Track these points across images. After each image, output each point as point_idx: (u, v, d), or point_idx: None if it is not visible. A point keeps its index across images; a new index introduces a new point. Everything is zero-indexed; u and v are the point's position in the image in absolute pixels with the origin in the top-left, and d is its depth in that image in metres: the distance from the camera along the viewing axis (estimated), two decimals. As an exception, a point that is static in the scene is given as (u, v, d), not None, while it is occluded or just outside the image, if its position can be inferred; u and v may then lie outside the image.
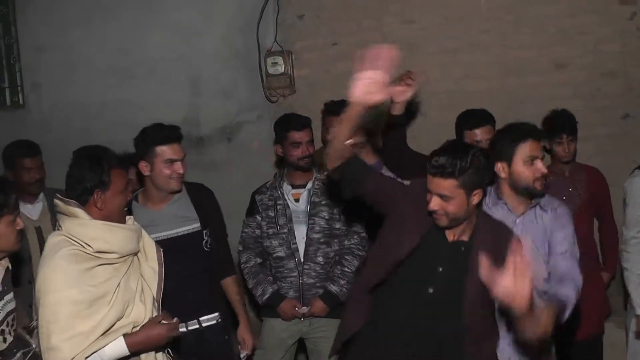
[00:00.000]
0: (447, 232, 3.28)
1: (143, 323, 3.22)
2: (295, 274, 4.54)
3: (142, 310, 3.24)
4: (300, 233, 4.54)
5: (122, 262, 3.22)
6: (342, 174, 3.41)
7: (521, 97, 5.35)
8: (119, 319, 3.14)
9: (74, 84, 6.29)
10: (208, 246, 4.14)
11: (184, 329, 3.93)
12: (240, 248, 4.68)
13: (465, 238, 3.28)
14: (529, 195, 3.58)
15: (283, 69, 5.85)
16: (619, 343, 5.11)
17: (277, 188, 4.60)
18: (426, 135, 5.14)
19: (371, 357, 3.38)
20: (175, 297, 3.71)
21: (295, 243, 4.53)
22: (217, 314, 4.16)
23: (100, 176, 3.15)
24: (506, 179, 3.56)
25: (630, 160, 5.05)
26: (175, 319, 3.33)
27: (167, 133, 4.00)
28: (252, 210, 4.67)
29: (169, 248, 3.75)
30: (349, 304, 3.58)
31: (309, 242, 4.51)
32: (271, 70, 5.88)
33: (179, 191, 4.06)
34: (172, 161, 3.93)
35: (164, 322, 3.28)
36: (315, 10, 5.85)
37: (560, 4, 5.33)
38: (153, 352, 3.31)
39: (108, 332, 3.09)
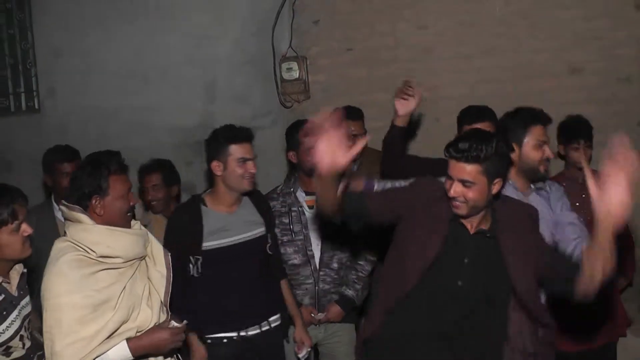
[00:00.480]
0: (465, 222, 3.23)
1: (149, 327, 3.23)
2: (311, 280, 4.49)
3: (149, 314, 3.23)
4: (315, 240, 4.51)
5: (128, 267, 3.21)
6: (344, 215, 3.33)
7: (535, 102, 5.26)
8: (123, 323, 3.13)
9: (89, 88, 6.31)
10: (270, 250, 4.16)
11: (256, 330, 4.01)
12: None
13: (485, 227, 3.24)
14: (533, 177, 3.64)
15: (298, 74, 5.87)
16: (633, 350, 5.09)
17: (291, 194, 4.54)
18: (440, 140, 5.06)
19: (403, 354, 3.32)
20: (248, 299, 3.91)
21: (312, 250, 4.47)
22: (278, 314, 4.18)
23: (99, 182, 3.15)
24: (515, 160, 3.56)
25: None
26: (183, 323, 3.33)
27: (239, 132, 3.98)
28: None
29: (240, 252, 3.91)
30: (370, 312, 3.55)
31: (324, 248, 4.48)
32: (286, 76, 5.89)
33: (250, 191, 4.06)
34: (244, 160, 3.91)
35: (174, 324, 3.28)
36: (330, 15, 5.87)
37: (575, 8, 5.33)
38: (162, 358, 3.32)
39: (112, 336, 3.10)
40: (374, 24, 5.78)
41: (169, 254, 3.46)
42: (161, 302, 3.33)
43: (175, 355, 3.42)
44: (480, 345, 3.26)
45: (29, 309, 3.21)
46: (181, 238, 3.88)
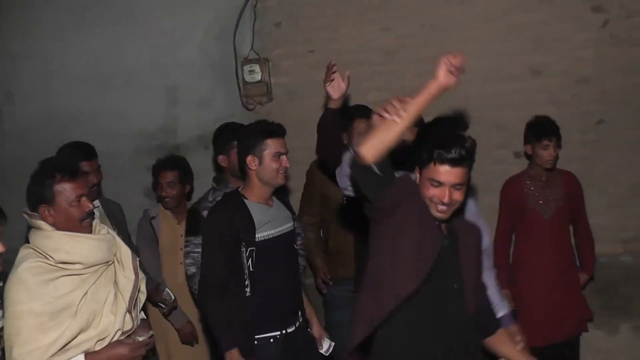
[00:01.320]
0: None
1: (111, 335, 3.15)
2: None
3: (112, 321, 3.14)
4: None
5: (91, 273, 3.14)
6: (380, 169, 3.07)
7: (498, 104, 5.41)
8: (82, 331, 3.07)
9: (49, 94, 6.23)
10: (297, 244, 4.19)
11: (293, 327, 4.00)
12: (194, 270, 4.35)
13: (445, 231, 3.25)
14: None
15: (260, 76, 5.85)
16: (596, 344, 5.21)
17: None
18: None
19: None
20: (289, 297, 3.98)
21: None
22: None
23: (43, 191, 3.10)
24: None
25: (605, 165, 5.12)
26: (146, 336, 3.27)
27: (274, 127, 3.98)
28: (199, 228, 4.28)
29: (283, 245, 3.98)
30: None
31: None
32: (248, 78, 5.87)
33: (283, 186, 4.07)
34: (279, 154, 3.91)
35: (137, 339, 3.22)
36: (292, 17, 5.87)
37: (536, 12, 5.40)
38: None
39: (69, 345, 3.04)
40: (337, 26, 5.79)
41: (137, 258, 3.42)
42: (126, 309, 3.24)
43: None
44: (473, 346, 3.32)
45: (1, 323, 3.13)
46: (232, 231, 3.83)
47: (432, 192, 3.11)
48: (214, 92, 6.07)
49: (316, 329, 4.27)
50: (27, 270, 3.00)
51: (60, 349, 3.00)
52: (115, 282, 3.26)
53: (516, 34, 5.45)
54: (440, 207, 3.11)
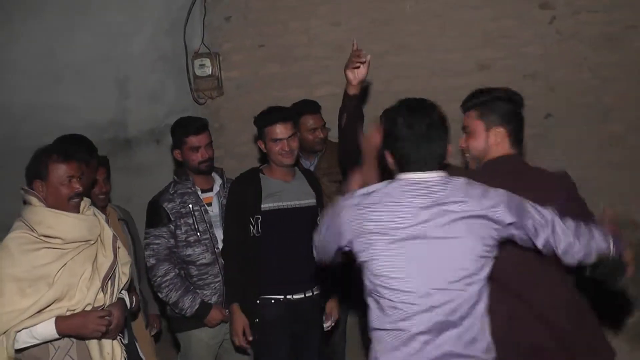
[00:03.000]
0: None
1: (81, 307, 3.38)
2: (219, 279, 4.50)
3: (84, 295, 3.39)
4: (219, 237, 4.53)
5: (72, 249, 3.42)
6: None
7: (447, 98, 5.36)
8: (57, 300, 3.32)
9: (-2, 87, 6.14)
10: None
11: (300, 295, 4.38)
12: (153, 261, 4.47)
13: None
14: None
15: (210, 70, 5.84)
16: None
17: (191, 194, 4.54)
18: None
19: None
20: (297, 265, 4.28)
21: (218, 248, 4.50)
22: (318, 284, 4.47)
23: (39, 167, 3.44)
24: None
25: (553, 159, 5.20)
26: (107, 316, 3.43)
27: (270, 116, 4.40)
28: (160, 220, 4.50)
29: (294, 218, 4.36)
30: None
31: None
32: (199, 72, 5.86)
33: (292, 165, 4.45)
34: (276, 140, 4.34)
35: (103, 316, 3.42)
36: (242, 12, 5.86)
37: (484, 8, 5.48)
38: (110, 341, 3.51)
39: (42, 311, 3.29)
40: (287, 20, 5.80)
41: (117, 240, 3.67)
42: (99, 286, 3.46)
43: (117, 338, 3.58)
44: None
45: None
46: (242, 200, 4.35)
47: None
48: (165, 85, 6.03)
49: (328, 304, 4.59)
50: (12, 240, 3.34)
51: (35, 314, 3.28)
52: (95, 260, 3.51)
53: (465, 29, 5.51)
54: None
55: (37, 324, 3.28)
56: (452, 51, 5.49)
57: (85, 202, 3.59)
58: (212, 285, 4.51)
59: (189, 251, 4.47)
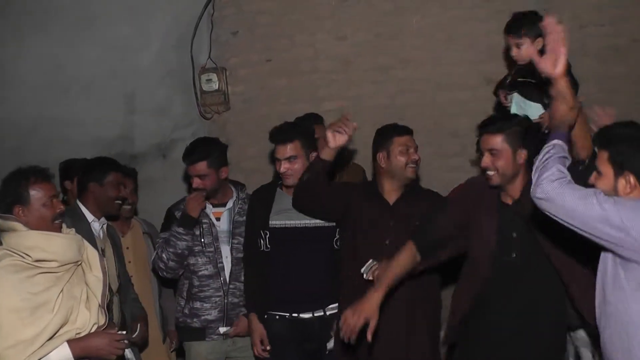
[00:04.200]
0: (502, 195, 3.60)
1: (88, 328, 3.30)
2: (220, 293, 4.49)
3: (88, 316, 3.30)
4: (224, 252, 4.52)
5: (65, 271, 3.29)
6: None
7: (452, 112, 5.46)
8: (63, 325, 3.21)
9: (6, 101, 6.15)
10: (338, 244, 4.28)
11: (308, 315, 4.27)
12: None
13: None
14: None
15: (217, 85, 5.85)
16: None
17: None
18: (360, 150, 5.21)
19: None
20: (304, 285, 4.20)
21: (222, 262, 4.49)
22: (336, 303, 4.26)
23: (19, 191, 3.27)
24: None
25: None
26: (121, 333, 3.45)
27: (272, 134, 4.30)
28: (170, 226, 4.54)
29: (305, 237, 4.25)
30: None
31: (234, 261, 4.50)
32: (205, 87, 5.87)
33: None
34: (278, 159, 4.26)
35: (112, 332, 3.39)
36: (249, 26, 5.89)
37: (490, 22, 5.46)
38: None
39: (51, 338, 3.17)
40: (293, 35, 5.82)
41: (104, 258, 3.63)
42: (99, 305, 3.40)
43: None
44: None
45: None
46: (255, 212, 4.37)
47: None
48: (172, 100, 6.05)
49: (335, 324, 4.32)
50: (4, 269, 3.12)
51: (45, 343, 3.15)
52: (85, 281, 3.40)
53: (471, 43, 5.50)
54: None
55: (49, 352, 3.16)
56: (458, 65, 5.49)
57: (63, 224, 3.47)
58: (213, 299, 4.50)
59: (192, 260, 4.50)
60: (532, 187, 2.89)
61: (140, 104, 6.09)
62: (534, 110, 3.99)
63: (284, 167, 4.20)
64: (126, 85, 6.06)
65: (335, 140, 3.99)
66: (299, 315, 4.26)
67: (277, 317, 4.28)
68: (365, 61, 5.65)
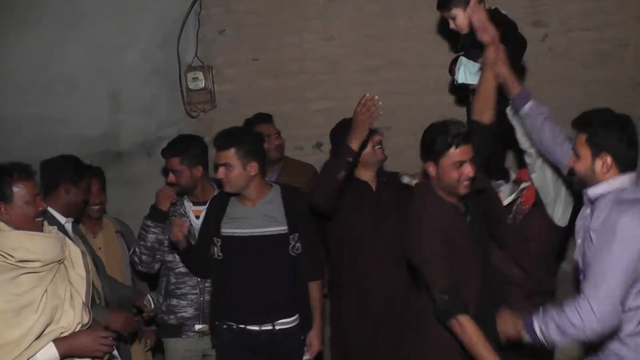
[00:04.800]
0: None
1: (72, 327, 3.27)
2: (196, 291, 4.54)
3: (72, 315, 3.28)
4: None
5: (48, 271, 3.25)
6: None
7: (440, 114, 5.41)
8: (48, 325, 3.19)
9: (-12, 100, 6.11)
10: (295, 251, 4.18)
11: (255, 327, 4.16)
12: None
13: None
14: None
15: (203, 84, 5.83)
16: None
17: (179, 205, 4.63)
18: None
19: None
20: (252, 295, 4.10)
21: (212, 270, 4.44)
22: (293, 317, 4.21)
23: (2, 189, 3.25)
24: None
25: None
26: (109, 333, 3.44)
27: (217, 140, 4.22)
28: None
29: (253, 246, 4.12)
30: None
31: None
32: (192, 86, 5.85)
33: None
34: (216, 165, 4.20)
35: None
36: (236, 25, 5.87)
37: (477, 24, 5.49)
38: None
39: (38, 338, 3.15)
40: (280, 35, 5.82)
41: (87, 256, 3.55)
42: (83, 303, 3.37)
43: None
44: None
45: None
46: (210, 220, 4.27)
47: (460, 171, 3.47)
48: (158, 98, 6.03)
49: (309, 335, 4.30)
50: None
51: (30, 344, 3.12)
52: (68, 280, 3.37)
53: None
54: (466, 182, 3.49)
55: (36, 352, 3.14)
56: (446, 67, 5.46)
57: (44, 222, 3.45)
58: (189, 296, 4.56)
59: (170, 257, 4.57)
60: None
61: (125, 102, 6.06)
62: (471, 68, 4.03)
63: (219, 174, 4.11)
64: (111, 84, 6.03)
65: (366, 127, 4.03)
66: (245, 327, 4.16)
67: (225, 326, 4.19)
68: (353, 62, 5.66)
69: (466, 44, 4.09)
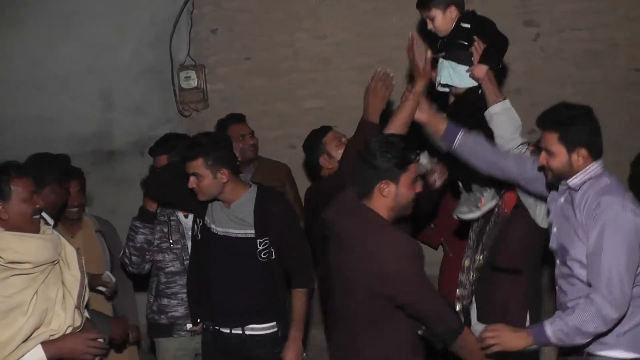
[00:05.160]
0: None
1: (63, 330, 3.23)
2: (186, 290, 4.47)
3: (63, 318, 3.23)
4: (190, 249, 4.47)
5: (40, 272, 3.20)
6: None
7: (432, 113, 5.46)
8: (38, 327, 3.14)
9: (-19, 98, 6.10)
10: (263, 256, 4.05)
11: (227, 330, 4.12)
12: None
13: None
14: None
15: (196, 83, 5.84)
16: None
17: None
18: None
19: None
20: (224, 297, 4.07)
21: (189, 259, 4.44)
22: (267, 324, 4.12)
23: (0, 187, 3.17)
24: None
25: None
26: (101, 335, 3.39)
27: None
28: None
29: (222, 246, 4.05)
30: None
31: None
32: (184, 85, 5.85)
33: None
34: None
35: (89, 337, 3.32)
36: (229, 24, 5.87)
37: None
38: None
39: (26, 340, 3.10)
40: (272, 34, 5.82)
41: (82, 257, 3.48)
42: (75, 305, 3.32)
43: None
44: None
45: None
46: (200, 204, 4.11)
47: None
48: (150, 97, 6.03)
49: (285, 347, 4.10)
50: None
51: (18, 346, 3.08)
52: (62, 279, 3.32)
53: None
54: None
55: (23, 354, 3.10)
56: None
57: (41, 221, 3.37)
58: (179, 295, 4.52)
59: (160, 257, 4.55)
60: None
61: (118, 101, 6.06)
62: (463, 75, 4.02)
63: (190, 183, 3.98)
64: (104, 82, 6.03)
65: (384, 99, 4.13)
66: (219, 329, 4.13)
67: (205, 325, 4.21)
68: (344, 61, 5.66)
69: (448, 46, 4.07)
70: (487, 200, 4.03)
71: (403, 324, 3.34)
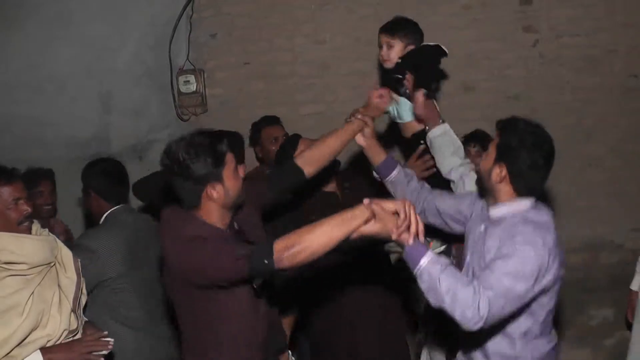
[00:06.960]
0: None
1: (58, 334, 3.22)
2: None
3: (58, 321, 3.23)
4: None
5: (36, 274, 3.21)
6: None
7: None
8: (34, 329, 3.14)
9: (-22, 99, 6.07)
10: None
11: None
12: None
13: None
14: None
15: (195, 87, 5.84)
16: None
17: None
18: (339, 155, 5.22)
19: None
20: None
21: None
22: None
23: None
24: None
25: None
26: (102, 333, 3.40)
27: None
28: None
29: None
30: None
31: None
32: (183, 89, 5.86)
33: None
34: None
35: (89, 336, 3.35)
36: (228, 29, 5.87)
37: (468, 30, 5.52)
38: None
39: (25, 342, 3.12)
40: (271, 38, 5.82)
41: (79, 260, 3.49)
42: (71, 309, 3.32)
43: None
44: None
45: None
46: None
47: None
48: (149, 101, 6.01)
49: None
50: None
51: (15, 347, 3.09)
52: (58, 282, 3.32)
53: (450, 51, 5.52)
54: None
55: (23, 357, 3.12)
56: (435, 71, 5.53)
57: (36, 224, 3.36)
58: None
59: None
60: None
61: (116, 104, 6.03)
62: (403, 106, 4.00)
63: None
64: (102, 85, 5.99)
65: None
66: None
67: None
68: (343, 66, 5.67)
69: (391, 80, 4.05)
70: (435, 246, 3.97)
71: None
